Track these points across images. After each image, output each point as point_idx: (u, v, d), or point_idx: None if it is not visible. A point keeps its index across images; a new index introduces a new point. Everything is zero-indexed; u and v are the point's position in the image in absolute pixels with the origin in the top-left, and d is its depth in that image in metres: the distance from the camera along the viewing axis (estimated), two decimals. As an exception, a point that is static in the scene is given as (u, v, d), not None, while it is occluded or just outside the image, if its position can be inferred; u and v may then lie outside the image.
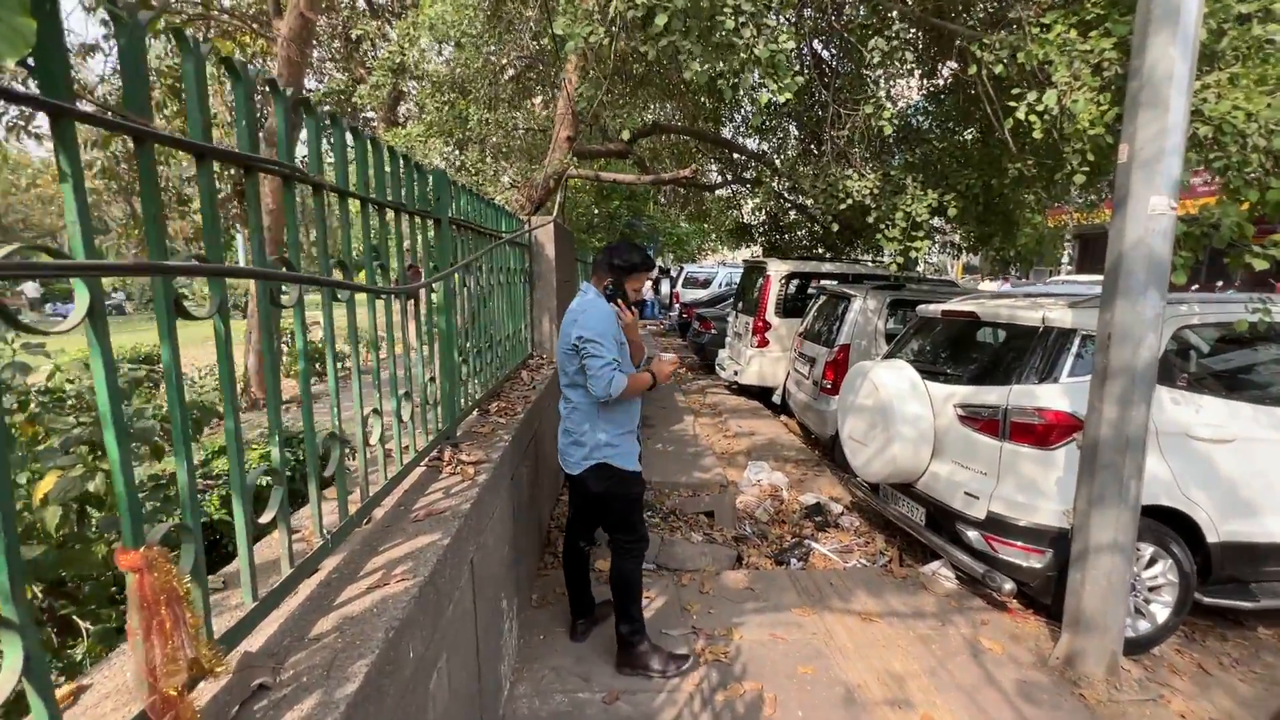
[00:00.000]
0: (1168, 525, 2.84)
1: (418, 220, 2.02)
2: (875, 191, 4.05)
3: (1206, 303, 3.02)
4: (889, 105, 3.64)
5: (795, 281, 7.50)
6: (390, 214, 1.76)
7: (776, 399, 7.16)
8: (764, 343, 7.19)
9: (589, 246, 17.28)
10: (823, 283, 7.02)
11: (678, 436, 5.98)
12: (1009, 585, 2.89)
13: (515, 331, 3.75)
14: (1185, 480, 2.80)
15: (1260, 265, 2.22)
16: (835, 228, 5.39)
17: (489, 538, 2.07)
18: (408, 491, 1.83)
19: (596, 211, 17.65)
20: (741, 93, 3.04)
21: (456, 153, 6.01)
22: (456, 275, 2.51)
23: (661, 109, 8.57)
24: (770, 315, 7.18)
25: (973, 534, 3.04)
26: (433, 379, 2.10)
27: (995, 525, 2.93)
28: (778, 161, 6.53)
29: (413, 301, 1.97)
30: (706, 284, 16.15)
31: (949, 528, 3.20)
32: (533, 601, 2.96)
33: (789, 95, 2.80)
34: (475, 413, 2.74)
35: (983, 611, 3.06)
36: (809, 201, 5.05)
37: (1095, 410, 2.36)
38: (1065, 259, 15.40)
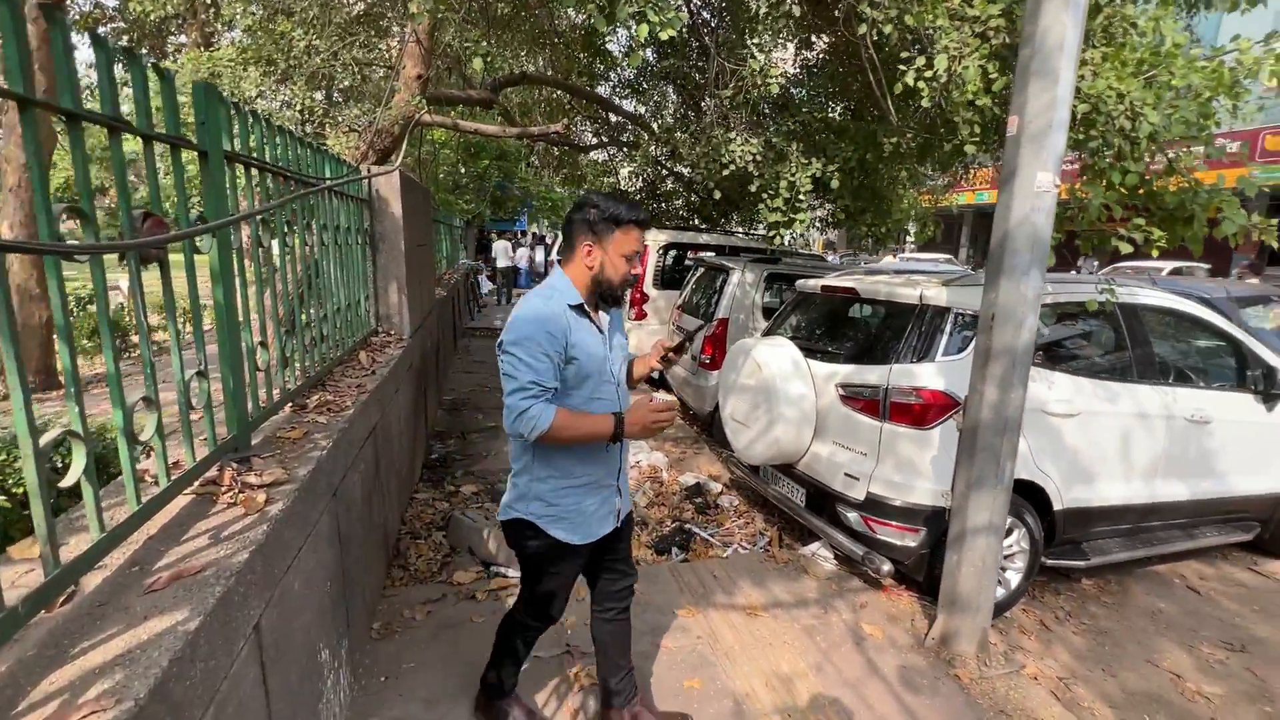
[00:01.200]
0: (1023, 496, 2.97)
1: (166, 151, 1.42)
2: (759, 158, 3.88)
3: (1060, 283, 3.16)
4: (774, 65, 3.44)
5: (673, 252, 7.31)
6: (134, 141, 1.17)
7: (655, 374, 6.99)
8: (641, 315, 6.95)
9: (457, 208, 16.03)
10: (700, 254, 6.89)
11: (552, 416, 5.59)
12: (887, 566, 2.88)
13: (351, 304, 3.12)
14: (1040, 454, 2.93)
15: (1125, 249, 2.25)
16: (717, 195, 5.20)
17: (294, 581, 1.57)
18: (155, 538, 1.29)
19: (464, 171, 16.37)
20: (619, 24, 2.63)
21: (283, 90, 5.01)
22: (246, 230, 1.89)
23: (533, 61, 7.88)
24: (648, 286, 6.94)
25: (853, 515, 2.99)
26: (200, 373, 1.52)
27: (874, 506, 2.90)
28: (655, 125, 6.21)
29: (159, 265, 1.39)
30: (583, 253, 15.65)
31: (829, 509, 3.15)
32: (373, 633, 2.46)
33: (672, 31, 2.45)
34: (289, 409, 2.16)
35: (861, 593, 3.05)
36: (688, 170, 4.80)
37: (977, 392, 2.31)
38: (934, 237, 16.75)
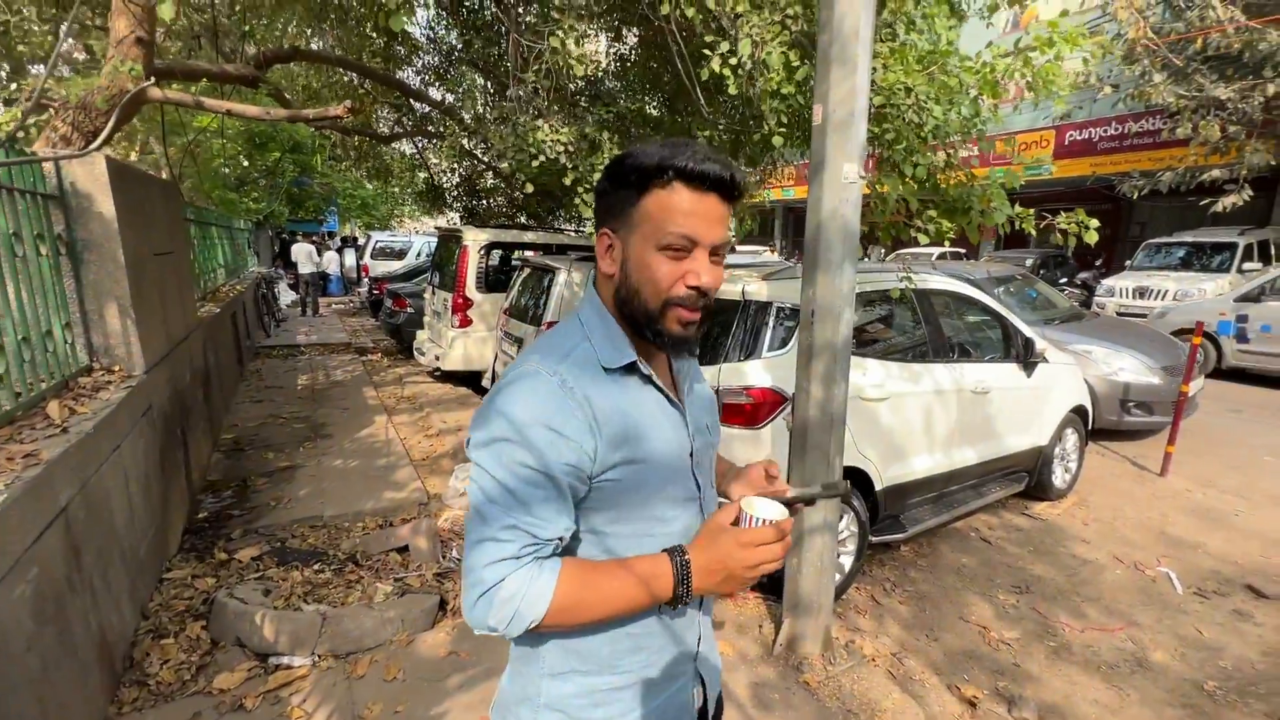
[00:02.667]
0: (849, 481, 3.04)
1: None
2: (570, 149, 3.61)
3: (866, 272, 3.29)
4: (575, 45, 3.18)
5: (497, 252, 6.81)
6: None
7: (486, 383, 6.47)
8: (466, 321, 6.38)
9: (242, 208, 13.76)
10: (525, 254, 6.49)
11: (366, 446, 4.86)
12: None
13: (28, 338, 2.28)
14: (860, 438, 3.02)
15: (924, 240, 2.31)
16: (530, 189, 4.84)
17: None
18: None
19: (248, 164, 14.10)
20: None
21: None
22: None
23: (321, 41, 6.84)
24: (471, 290, 6.38)
25: (694, 525, 2.85)
26: None
27: (714, 513, 2.78)
28: (466, 115, 5.67)
29: None
30: (402, 255, 14.37)
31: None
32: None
33: (403, 23, 2.05)
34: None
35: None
36: (499, 162, 4.39)
37: (804, 391, 2.25)
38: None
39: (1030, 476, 4.17)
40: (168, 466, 3.19)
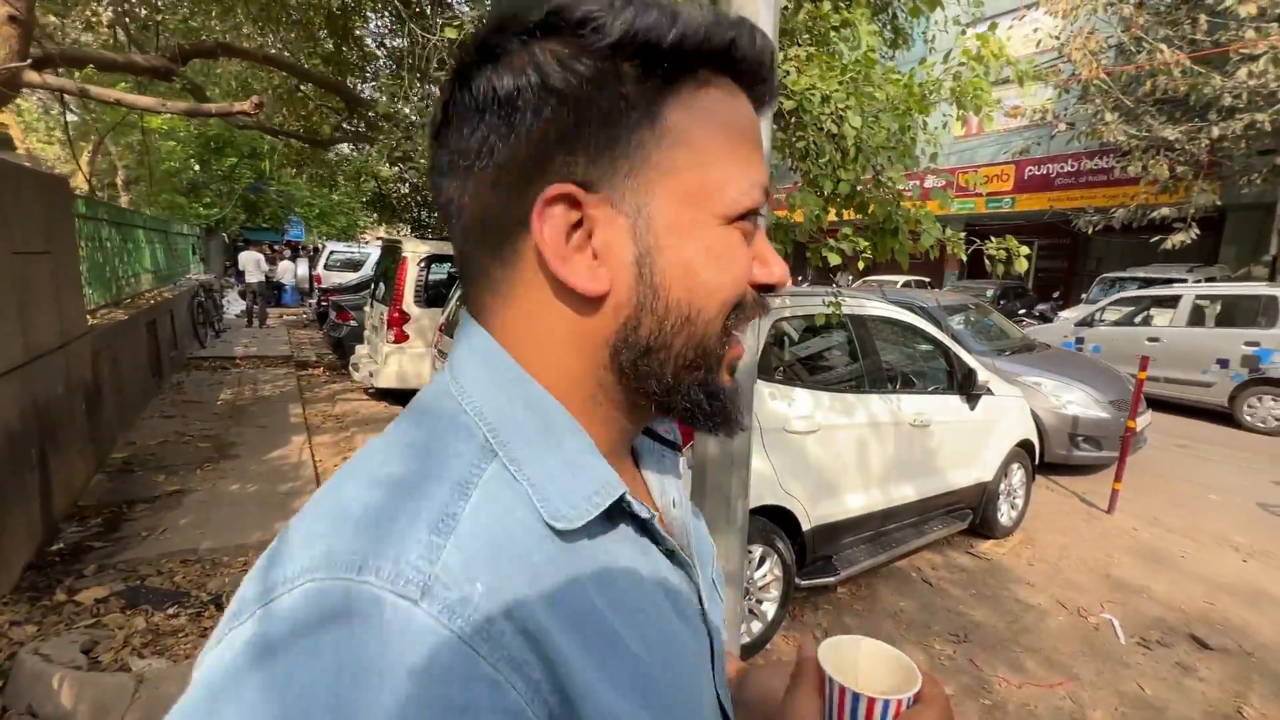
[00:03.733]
0: (772, 522, 2.81)
1: None
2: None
3: (796, 295, 3.10)
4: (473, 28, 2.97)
5: (441, 266, 6.52)
6: None
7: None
8: (402, 337, 6.06)
9: (191, 212, 13.25)
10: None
11: (273, 469, 4.48)
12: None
13: None
14: (785, 475, 2.79)
15: (834, 259, 2.11)
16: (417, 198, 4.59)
17: None
18: None
19: (198, 169, 13.62)
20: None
21: None
22: None
23: (263, 39, 6.56)
24: (408, 305, 6.08)
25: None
26: None
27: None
28: (403, 120, 5.42)
29: None
30: (358, 266, 13.95)
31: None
32: None
33: None
34: None
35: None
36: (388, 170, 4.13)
37: (702, 424, 2.00)
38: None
39: (975, 514, 3.99)
40: (7, 492, 2.80)
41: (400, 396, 6.55)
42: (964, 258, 2.39)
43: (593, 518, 0.37)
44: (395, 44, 6.42)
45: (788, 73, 2.05)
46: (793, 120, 2.09)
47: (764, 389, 2.74)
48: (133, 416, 5.32)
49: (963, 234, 2.44)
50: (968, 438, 3.81)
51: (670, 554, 0.44)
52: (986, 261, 2.38)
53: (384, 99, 5.73)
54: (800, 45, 2.18)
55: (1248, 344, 6.77)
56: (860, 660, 0.47)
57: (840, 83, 2.08)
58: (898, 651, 0.48)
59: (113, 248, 5.53)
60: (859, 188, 2.40)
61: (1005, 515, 4.12)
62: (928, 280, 14.98)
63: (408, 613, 0.28)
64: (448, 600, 0.29)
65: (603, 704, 0.32)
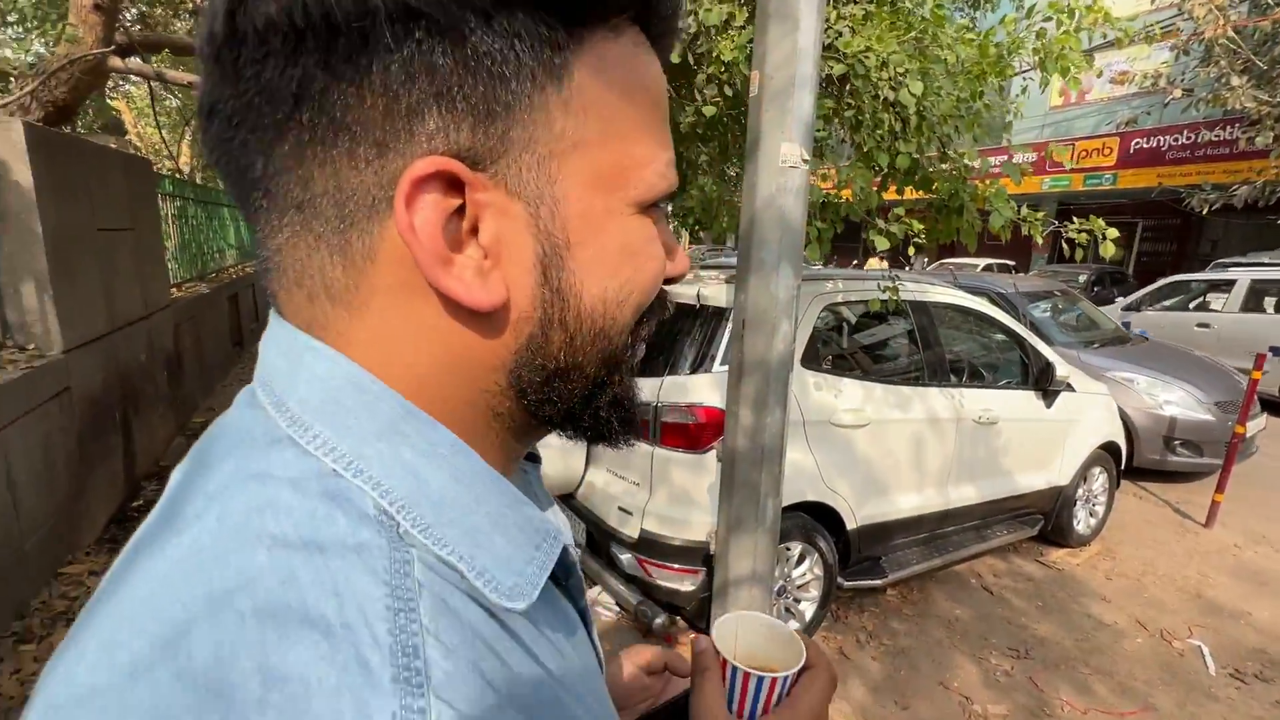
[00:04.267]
0: (814, 519, 2.66)
1: None
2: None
3: (851, 279, 2.89)
4: None
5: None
6: None
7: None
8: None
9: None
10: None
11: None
12: (660, 619, 2.44)
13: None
14: (829, 471, 2.63)
15: (881, 245, 1.93)
16: None
17: None
18: None
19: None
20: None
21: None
22: None
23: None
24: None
25: (626, 557, 2.52)
26: None
27: (648, 546, 2.44)
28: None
29: None
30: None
31: (606, 549, 2.66)
32: None
33: None
34: None
35: (644, 650, 2.59)
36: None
37: (733, 415, 1.89)
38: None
39: (1047, 520, 3.67)
40: (92, 455, 3.04)
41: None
42: (1040, 239, 2.14)
43: (543, 585, 0.30)
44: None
45: (839, 33, 1.86)
46: (844, 87, 1.91)
47: (808, 378, 2.58)
48: (214, 383, 5.71)
49: (1041, 214, 2.18)
50: (1041, 437, 3.49)
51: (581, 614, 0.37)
52: (1065, 246, 2.11)
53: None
54: (858, 2, 1.97)
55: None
56: (739, 635, 0.47)
57: (901, 43, 1.87)
58: (771, 619, 0.49)
59: (197, 225, 5.90)
60: (922, 161, 2.18)
61: (1082, 523, 3.77)
62: (1012, 264, 13.95)
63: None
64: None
65: None
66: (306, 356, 0.29)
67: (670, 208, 6.14)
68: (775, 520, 1.92)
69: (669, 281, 0.35)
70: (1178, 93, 10.04)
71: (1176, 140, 11.53)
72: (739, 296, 1.82)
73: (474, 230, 0.28)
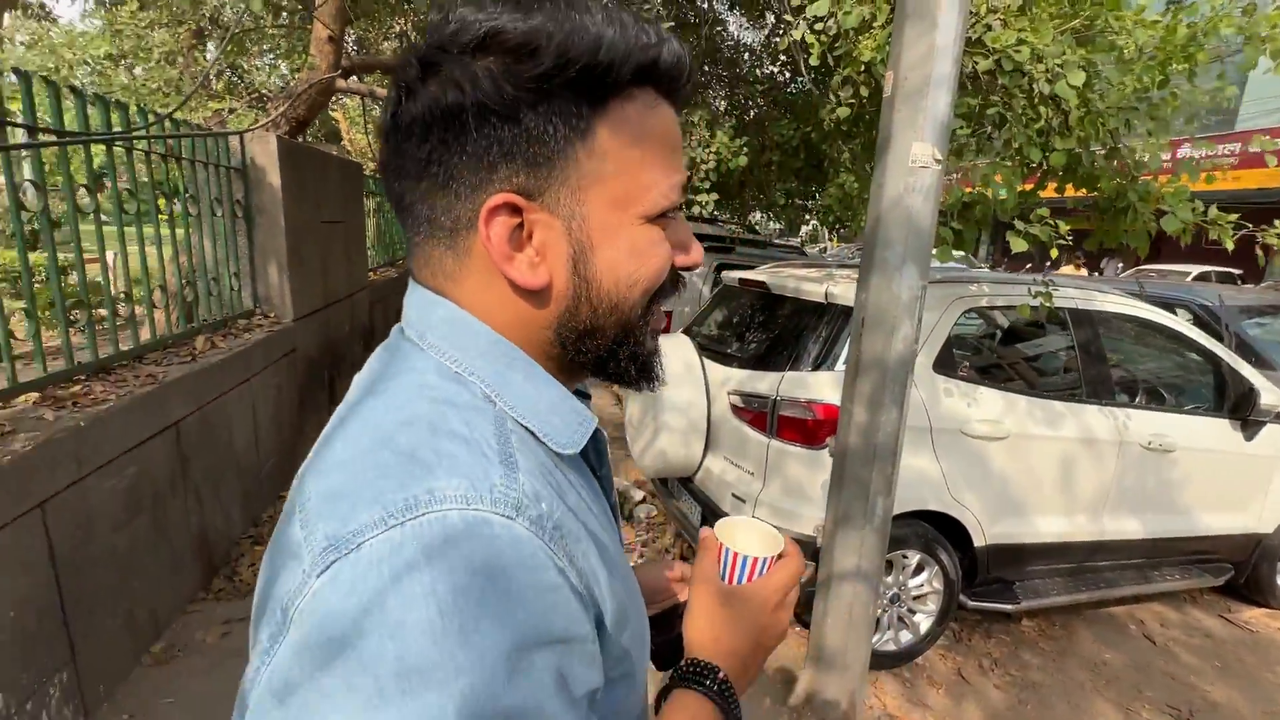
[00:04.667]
0: (938, 530, 2.57)
1: None
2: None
3: (999, 283, 2.72)
4: (662, 13, 3.02)
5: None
6: None
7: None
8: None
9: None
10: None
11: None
12: (764, 605, 2.50)
13: (194, 282, 2.83)
14: (956, 481, 2.52)
15: (1018, 246, 1.84)
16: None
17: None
18: None
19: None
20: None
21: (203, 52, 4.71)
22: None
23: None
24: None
25: (737, 542, 2.61)
26: None
27: (758, 534, 2.51)
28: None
29: None
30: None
31: (718, 532, 2.77)
32: (149, 659, 2.16)
33: None
34: (32, 399, 1.85)
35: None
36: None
37: (846, 412, 1.92)
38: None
39: (1239, 571, 3.17)
40: (307, 404, 3.76)
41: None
42: (1230, 244, 1.89)
43: (581, 446, 0.47)
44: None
45: (988, 27, 1.80)
46: (994, 83, 1.84)
47: (939, 383, 2.49)
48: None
49: (1233, 216, 1.93)
50: (1236, 473, 3.01)
51: (603, 488, 0.54)
52: (1259, 252, 1.85)
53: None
54: (1013, -7, 1.88)
55: None
56: (737, 534, 0.61)
57: (1061, 33, 1.78)
58: (767, 525, 0.62)
59: (390, 219, 6.87)
60: (1091, 159, 2.02)
61: (1289, 581, 3.20)
62: (1237, 273, 11.68)
63: (510, 526, 0.36)
64: (531, 516, 0.37)
65: (600, 579, 0.42)
66: (434, 307, 0.46)
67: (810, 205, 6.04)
68: (885, 520, 1.92)
69: (685, 269, 0.49)
70: None
71: None
72: (860, 295, 1.84)
73: (528, 238, 0.44)
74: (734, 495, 2.64)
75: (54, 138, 1.94)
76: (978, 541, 2.59)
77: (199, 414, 2.46)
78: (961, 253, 2.62)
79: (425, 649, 0.31)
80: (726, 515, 2.62)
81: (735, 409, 2.69)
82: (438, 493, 0.35)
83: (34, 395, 1.87)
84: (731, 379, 2.76)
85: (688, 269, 0.49)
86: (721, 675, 0.54)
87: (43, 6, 6.60)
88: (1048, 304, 2.38)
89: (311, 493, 0.39)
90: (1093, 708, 2.55)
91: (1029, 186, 2.24)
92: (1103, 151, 2.04)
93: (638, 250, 0.45)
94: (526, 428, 0.44)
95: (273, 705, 0.33)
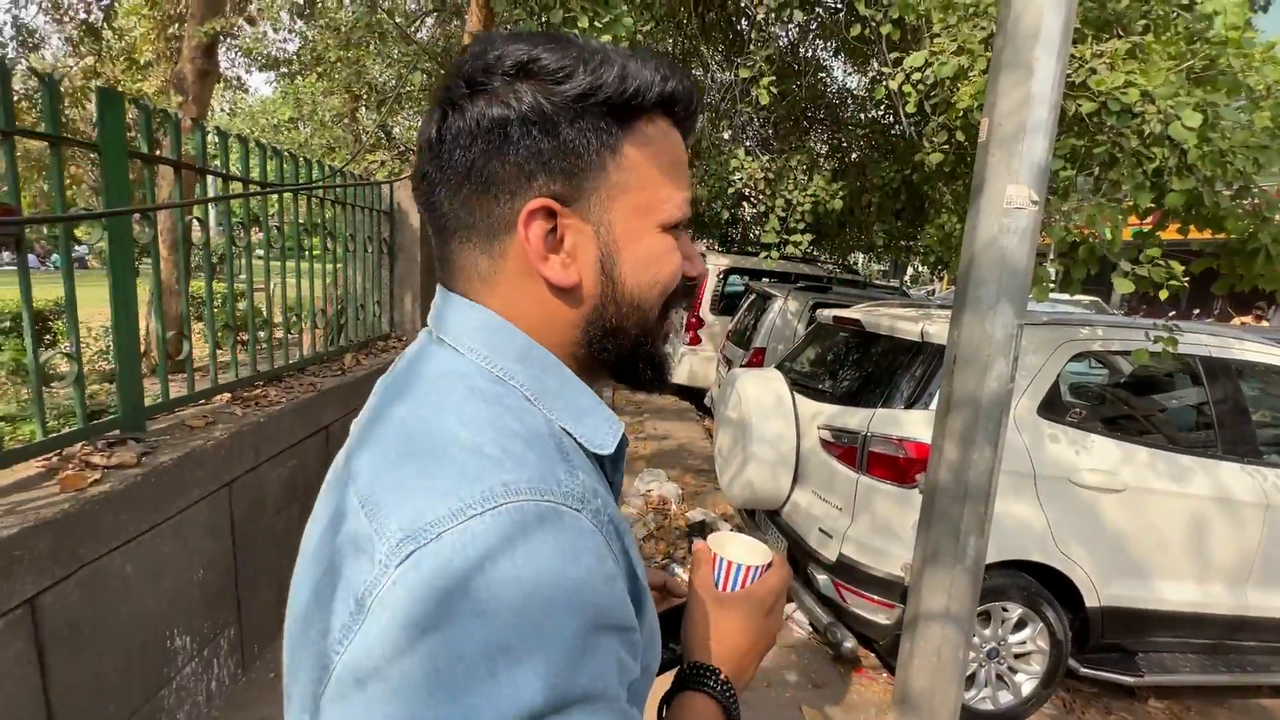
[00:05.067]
0: (1043, 584, 2.43)
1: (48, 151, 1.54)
2: (767, 176, 3.58)
3: (1113, 326, 2.58)
4: (765, 68, 3.17)
5: (735, 276, 7.04)
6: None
7: (708, 401, 6.72)
8: (696, 340, 6.73)
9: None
10: (759, 280, 6.58)
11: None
12: (849, 643, 2.47)
13: (345, 308, 3.29)
14: (1063, 534, 2.38)
15: (1124, 288, 1.79)
16: (726, 216, 4.92)
17: (125, 564, 1.60)
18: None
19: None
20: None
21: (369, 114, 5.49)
22: (162, 222, 2.03)
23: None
24: (704, 311, 6.72)
25: (822, 578, 2.61)
26: (69, 354, 1.63)
27: (845, 571, 2.50)
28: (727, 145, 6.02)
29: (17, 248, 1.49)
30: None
31: (804, 567, 2.77)
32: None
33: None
34: (226, 398, 2.27)
35: (825, 669, 2.63)
36: (703, 190, 4.56)
37: (937, 449, 1.92)
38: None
39: None
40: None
41: (692, 394, 7.29)
42: (1386, 290, 1.74)
43: (614, 448, 0.51)
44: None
45: (1092, 70, 1.81)
46: (1100, 123, 1.84)
47: (1044, 428, 2.39)
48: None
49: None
50: None
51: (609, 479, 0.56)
52: None
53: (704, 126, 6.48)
54: (1122, 37, 1.87)
55: None
56: (728, 547, 0.65)
57: (1175, 73, 1.76)
58: (755, 540, 0.66)
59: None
60: (1214, 200, 1.93)
61: None
62: None
63: (577, 517, 0.39)
64: (591, 508, 0.41)
65: (637, 570, 0.46)
66: (469, 312, 0.49)
67: (908, 245, 5.91)
68: (977, 561, 1.88)
69: (690, 279, 0.54)
70: None
71: None
72: (952, 332, 1.86)
73: (562, 241, 0.48)
74: (820, 530, 2.65)
75: (252, 188, 2.40)
76: (1090, 601, 2.42)
77: (343, 419, 2.85)
78: (1091, 298, 2.53)
79: (510, 630, 0.34)
80: (807, 547, 2.63)
81: (825, 443, 2.72)
82: (511, 485, 0.38)
83: (227, 395, 2.29)
84: (822, 413, 2.80)
85: (693, 279, 0.55)
86: (723, 676, 0.57)
87: (239, 79, 7.98)
88: (1170, 350, 2.25)
89: (373, 486, 0.41)
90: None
91: (1148, 226, 2.16)
92: (1229, 192, 1.96)
93: (655, 255, 0.50)
94: (564, 429, 0.48)
95: (352, 688, 0.35)
